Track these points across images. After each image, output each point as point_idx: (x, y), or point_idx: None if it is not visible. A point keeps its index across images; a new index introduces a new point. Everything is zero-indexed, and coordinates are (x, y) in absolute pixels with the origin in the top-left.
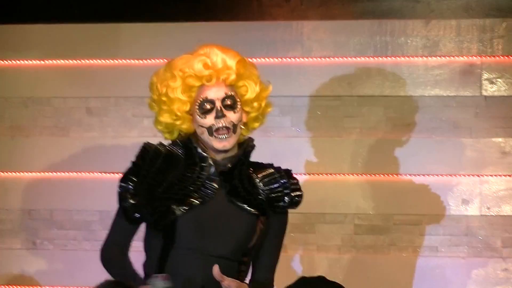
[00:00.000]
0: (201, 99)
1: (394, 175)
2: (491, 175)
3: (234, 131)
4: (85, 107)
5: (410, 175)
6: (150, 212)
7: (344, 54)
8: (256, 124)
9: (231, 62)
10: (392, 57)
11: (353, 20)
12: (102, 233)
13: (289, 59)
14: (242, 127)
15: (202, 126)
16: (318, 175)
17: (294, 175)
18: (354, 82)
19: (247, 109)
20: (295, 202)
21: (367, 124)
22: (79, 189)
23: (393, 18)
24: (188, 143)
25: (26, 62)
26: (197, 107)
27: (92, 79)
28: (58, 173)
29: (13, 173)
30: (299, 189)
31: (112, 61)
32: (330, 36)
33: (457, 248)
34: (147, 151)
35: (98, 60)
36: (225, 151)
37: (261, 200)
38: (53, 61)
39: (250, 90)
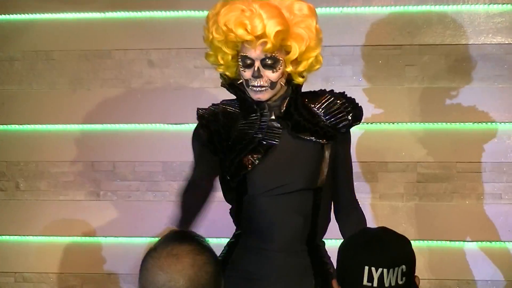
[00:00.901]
0: (243, 54)
1: (456, 123)
2: None
3: (272, 87)
4: (147, 59)
5: (472, 122)
6: (227, 165)
7: (405, 2)
8: (301, 80)
9: (271, 31)
10: (453, 5)
11: None
12: (164, 184)
13: (349, 8)
14: (282, 83)
15: (242, 77)
16: (380, 123)
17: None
18: (415, 31)
19: (290, 66)
20: (358, 117)
21: (428, 72)
22: (141, 141)
23: None
24: (241, 93)
25: (86, 14)
26: (239, 58)
27: (153, 31)
28: (120, 125)
29: (75, 125)
30: (358, 105)
31: (173, 12)
32: None
33: None
34: (203, 116)
35: (159, 12)
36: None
37: (325, 126)
38: (114, 13)
39: (293, 50)
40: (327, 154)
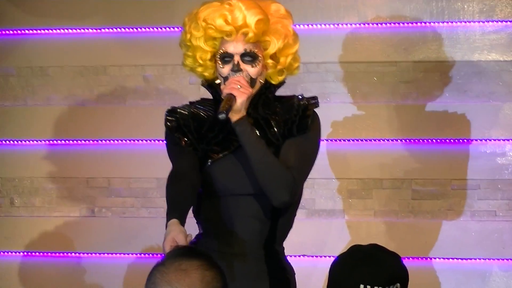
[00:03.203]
0: (222, 51)
1: (451, 140)
2: None
3: (252, 85)
4: (142, 75)
5: (467, 139)
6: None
7: (400, 19)
8: (280, 78)
9: (252, 20)
10: (448, 22)
11: None
12: (159, 200)
13: (344, 25)
14: (261, 80)
15: (220, 75)
16: (375, 140)
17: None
18: (410, 48)
19: (270, 62)
20: (302, 129)
21: (423, 89)
22: (136, 157)
23: None
24: (217, 95)
25: (81, 30)
26: (218, 56)
27: (148, 47)
28: (115, 141)
29: (70, 141)
30: (306, 115)
31: (168, 29)
32: (385, 1)
33: None
34: (172, 116)
35: (154, 28)
36: None
37: (274, 132)
38: (109, 29)
39: (272, 45)
40: None
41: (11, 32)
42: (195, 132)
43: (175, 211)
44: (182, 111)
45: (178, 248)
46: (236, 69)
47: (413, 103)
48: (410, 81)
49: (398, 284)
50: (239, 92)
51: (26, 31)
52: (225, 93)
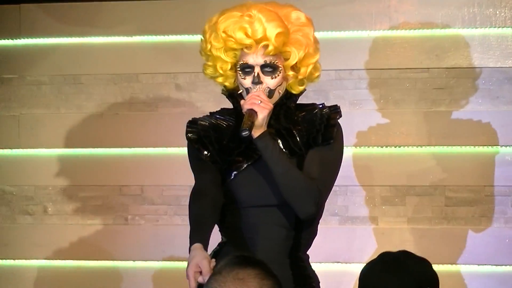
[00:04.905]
0: (242, 62)
1: (484, 146)
2: None
3: (270, 96)
4: (174, 82)
5: (500, 146)
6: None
7: (432, 26)
8: (301, 87)
9: (272, 33)
10: (481, 28)
11: None
12: None
13: (376, 32)
14: (280, 91)
15: (241, 86)
16: (408, 147)
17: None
18: (442, 54)
19: (290, 73)
20: (327, 139)
21: (456, 96)
22: (169, 165)
23: None
24: (238, 105)
25: (114, 38)
26: (238, 67)
27: (180, 54)
28: (148, 149)
29: (103, 149)
30: (331, 125)
31: (200, 36)
32: (417, 8)
33: None
34: (193, 128)
35: (186, 36)
36: None
37: (296, 142)
38: (142, 37)
39: (293, 56)
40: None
41: (43, 40)
42: (216, 143)
43: (198, 234)
44: (203, 122)
45: (234, 257)
46: (257, 81)
47: (446, 109)
48: (442, 88)
49: None
50: (260, 107)
51: (58, 39)
52: (245, 108)
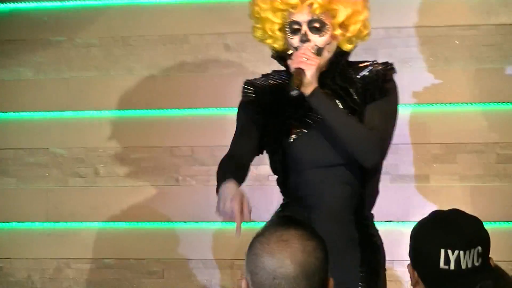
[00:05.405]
0: (290, 20)
1: None
2: None
3: (319, 54)
4: (223, 43)
5: None
6: (271, 129)
7: None
8: (350, 46)
9: None
10: None
11: None
12: None
13: None
14: (328, 51)
15: (291, 46)
16: (457, 105)
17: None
18: (492, 11)
19: (338, 31)
20: (385, 92)
21: (505, 52)
22: (219, 125)
23: None
24: (287, 65)
25: (163, 0)
26: (287, 26)
27: (229, 15)
28: (199, 110)
29: (154, 110)
30: (387, 79)
31: None
32: None
33: None
34: (250, 89)
35: None
36: None
37: (354, 100)
38: None
39: (340, 13)
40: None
41: (91, 2)
42: (271, 106)
43: (230, 176)
44: (259, 84)
45: (278, 217)
46: (305, 39)
47: (496, 66)
48: (491, 45)
49: (479, 247)
50: (307, 64)
51: (107, 1)
52: (293, 68)
